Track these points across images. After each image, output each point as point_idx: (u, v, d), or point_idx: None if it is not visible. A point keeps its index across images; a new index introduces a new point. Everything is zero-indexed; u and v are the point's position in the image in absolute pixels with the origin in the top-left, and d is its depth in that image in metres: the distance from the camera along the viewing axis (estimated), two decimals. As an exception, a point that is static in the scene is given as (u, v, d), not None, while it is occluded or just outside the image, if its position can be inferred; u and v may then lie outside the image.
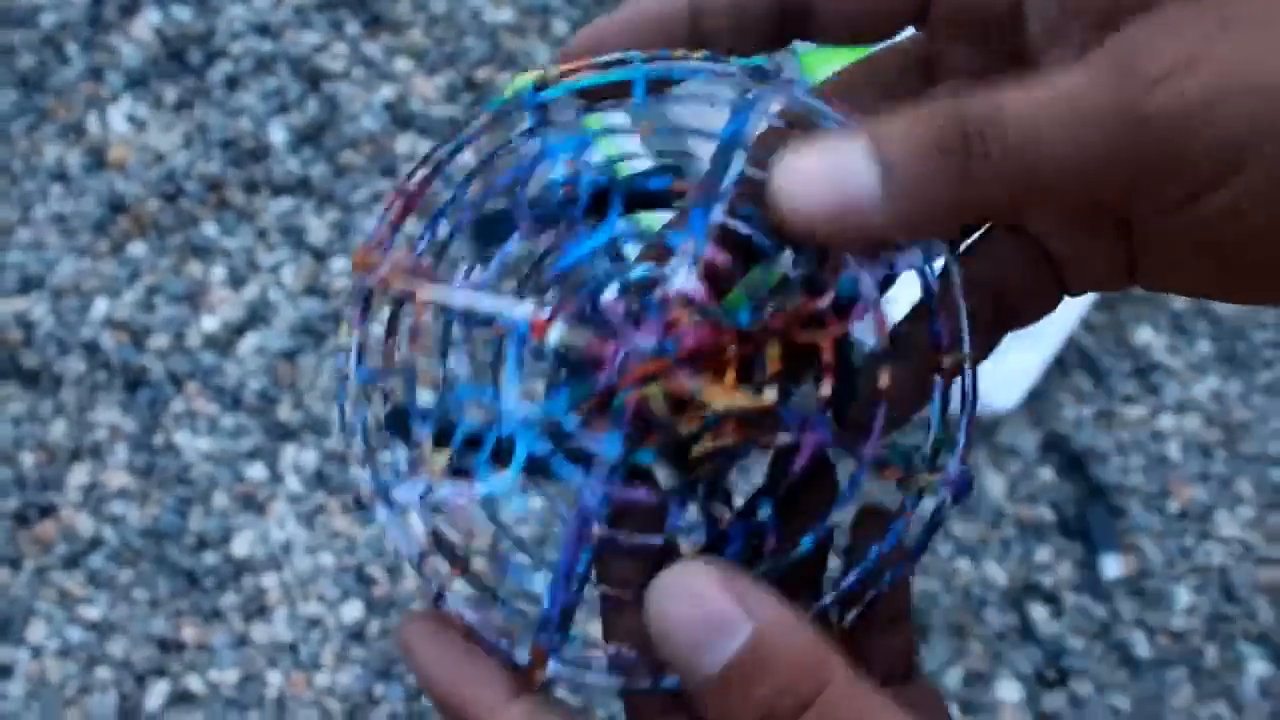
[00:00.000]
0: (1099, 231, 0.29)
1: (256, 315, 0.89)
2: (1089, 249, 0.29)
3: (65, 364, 0.87)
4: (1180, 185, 0.24)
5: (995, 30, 0.28)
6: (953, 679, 0.81)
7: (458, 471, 0.28)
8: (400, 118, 0.94)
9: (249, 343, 0.88)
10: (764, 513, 0.27)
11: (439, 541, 0.28)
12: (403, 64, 0.95)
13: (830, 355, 0.26)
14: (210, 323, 0.89)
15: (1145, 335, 0.90)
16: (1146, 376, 0.89)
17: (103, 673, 0.81)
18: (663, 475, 0.29)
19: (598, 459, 0.26)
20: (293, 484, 0.85)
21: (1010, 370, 0.84)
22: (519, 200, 0.27)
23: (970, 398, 0.27)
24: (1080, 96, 0.23)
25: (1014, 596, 0.84)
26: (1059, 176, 0.23)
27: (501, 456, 0.27)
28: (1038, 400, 0.88)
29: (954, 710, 0.81)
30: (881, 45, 0.30)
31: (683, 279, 0.26)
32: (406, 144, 0.93)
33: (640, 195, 0.27)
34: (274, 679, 0.81)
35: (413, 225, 0.29)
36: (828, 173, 0.23)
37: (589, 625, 0.29)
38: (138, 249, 0.90)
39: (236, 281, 0.90)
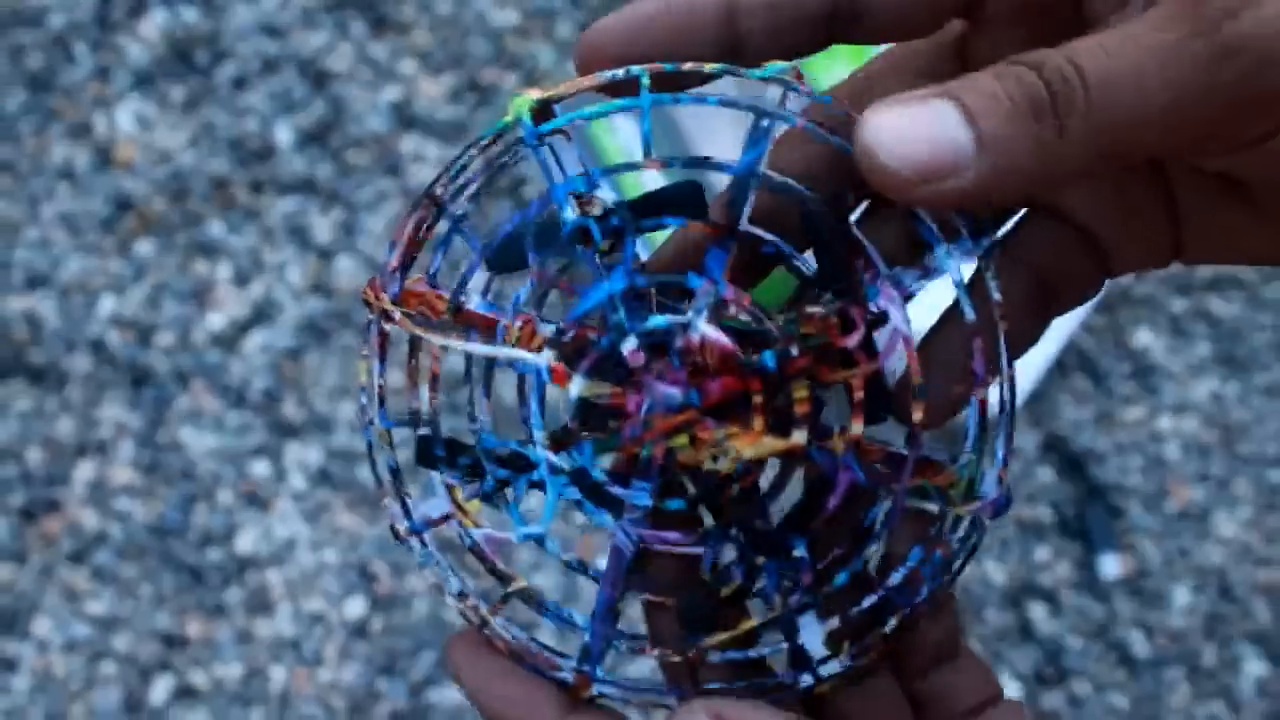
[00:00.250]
0: (1141, 210, 0.28)
1: (262, 313, 0.89)
2: (1131, 227, 0.28)
3: (71, 361, 0.88)
4: (1269, 116, 0.23)
5: (1054, 11, 0.27)
6: (952, 677, 0.82)
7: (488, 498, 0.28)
8: (405, 118, 0.94)
9: (254, 341, 0.89)
10: (798, 551, 0.27)
11: (486, 566, 0.28)
12: (408, 65, 0.96)
13: (861, 393, 0.25)
14: (216, 321, 0.89)
15: (1144, 337, 0.90)
16: (1145, 378, 0.90)
17: (107, 667, 0.82)
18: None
19: (630, 510, 0.26)
20: (296, 481, 0.86)
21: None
22: (530, 244, 0.26)
23: (1009, 411, 0.26)
24: (1156, 38, 0.22)
25: (1013, 596, 0.84)
26: (1146, 124, 0.22)
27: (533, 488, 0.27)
28: (1037, 401, 0.88)
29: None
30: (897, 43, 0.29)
31: (704, 327, 0.25)
32: (411, 144, 0.93)
33: (652, 229, 0.27)
34: (277, 674, 0.82)
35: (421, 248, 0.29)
36: (923, 131, 0.23)
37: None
38: (144, 247, 0.91)
39: (242, 280, 0.90)
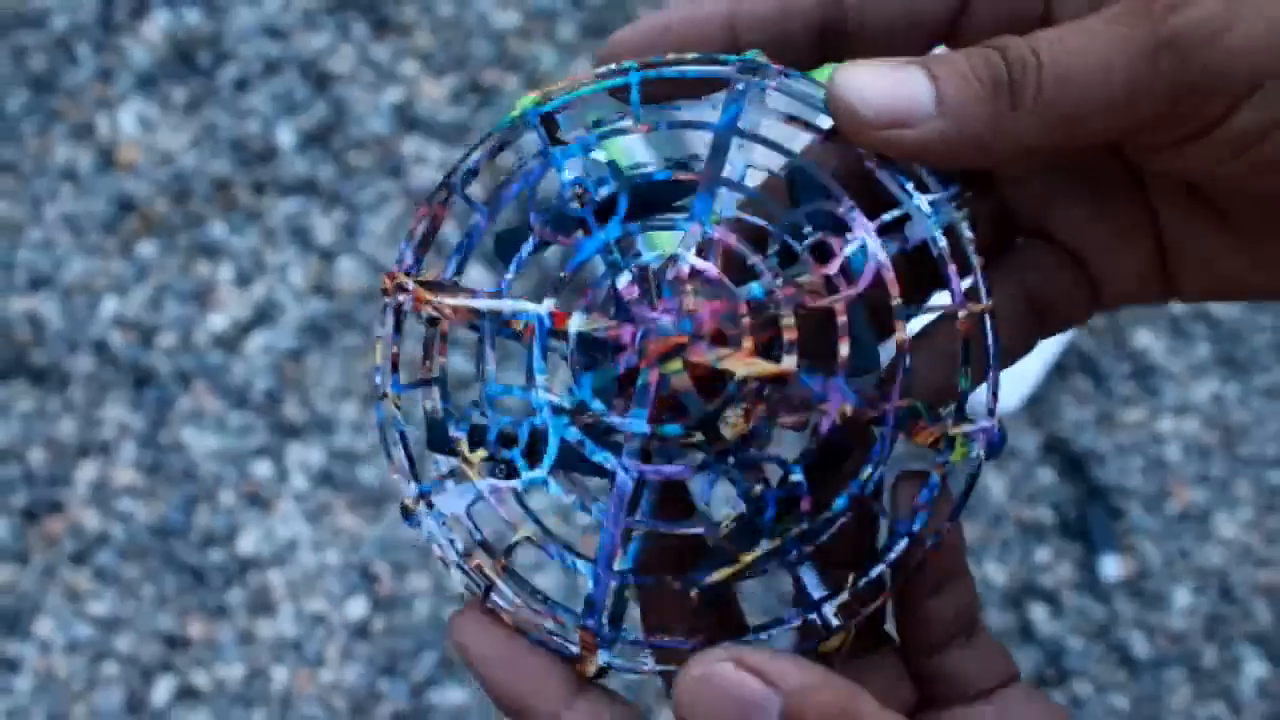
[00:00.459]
0: (1129, 239, 0.29)
1: (263, 314, 0.90)
2: (1120, 256, 0.30)
3: (74, 362, 0.88)
4: (1209, 104, 0.25)
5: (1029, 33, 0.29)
6: (952, 678, 0.82)
7: (494, 468, 0.28)
8: (407, 120, 0.94)
9: (256, 342, 0.89)
10: (795, 476, 0.27)
11: (482, 543, 0.29)
12: (409, 67, 0.96)
13: (845, 317, 0.27)
14: (218, 322, 0.89)
15: (1144, 338, 0.91)
16: (1146, 379, 0.90)
17: (109, 668, 0.82)
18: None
19: (629, 441, 0.27)
20: (298, 482, 0.86)
21: (1011, 373, 0.84)
22: (530, 204, 0.28)
23: (995, 352, 0.27)
24: (1104, 31, 0.25)
25: (1014, 597, 0.84)
26: (1090, 108, 0.25)
27: (534, 454, 0.28)
28: (1038, 402, 0.88)
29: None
30: None
31: (692, 258, 0.27)
32: (413, 146, 0.94)
33: (647, 195, 0.28)
34: (279, 675, 0.82)
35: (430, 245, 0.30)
36: (889, 85, 0.25)
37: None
38: (146, 248, 0.91)
39: (244, 281, 0.90)
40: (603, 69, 0.28)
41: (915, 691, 0.29)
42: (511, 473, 0.28)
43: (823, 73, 0.28)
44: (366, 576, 0.84)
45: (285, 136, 0.94)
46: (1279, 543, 0.86)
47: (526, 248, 0.28)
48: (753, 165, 0.28)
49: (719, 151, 0.27)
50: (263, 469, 0.86)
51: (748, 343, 0.27)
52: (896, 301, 0.27)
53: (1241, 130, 0.25)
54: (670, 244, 0.29)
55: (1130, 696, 0.83)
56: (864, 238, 0.27)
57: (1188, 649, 0.84)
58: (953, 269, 0.27)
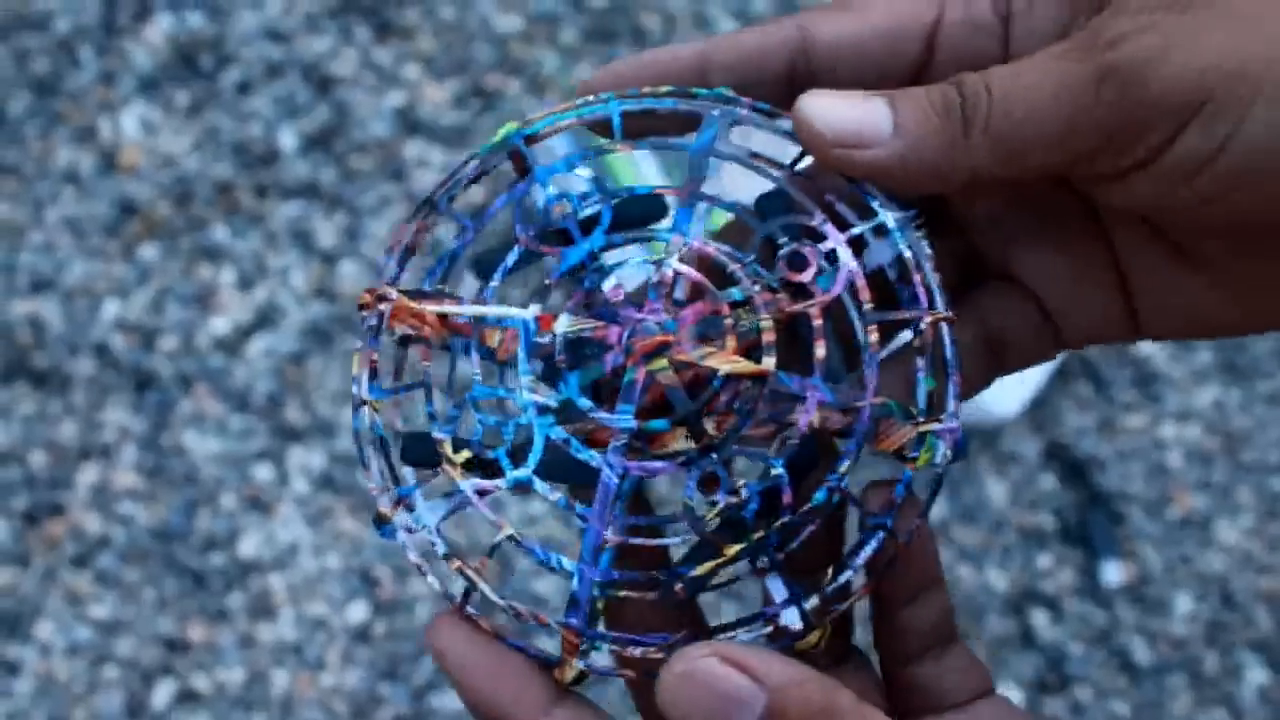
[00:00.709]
0: (1091, 280, 0.30)
1: (265, 318, 0.90)
2: (1082, 298, 0.31)
3: (75, 365, 0.88)
4: (1149, 132, 0.26)
5: None
6: (953, 684, 0.82)
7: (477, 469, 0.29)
8: (409, 123, 0.94)
9: (257, 345, 0.89)
10: (776, 470, 0.28)
11: (449, 554, 0.29)
12: (412, 70, 0.96)
13: (820, 321, 0.28)
14: (219, 325, 0.89)
15: (1146, 344, 0.91)
16: (1147, 385, 0.90)
17: (110, 671, 0.82)
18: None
19: (615, 437, 0.28)
20: (299, 485, 0.86)
21: (1012, 379, 0.84)
22: (516, 216, 0.29)
23: (954, 362, 0.29)
24: (1052, 65, 0.27)
25: (1015, 603, 0.84)
26: (1037, 135, 0.27)
27: (517, 456, 0.28)
28: (1040, 408, 0.88)
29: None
30: None
31: (677, 264, 0.28)
32: (415, 149, 0.94)
33: (629, 211, 0.29)
34: (280, 679, 0.82)
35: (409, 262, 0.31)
36: (851, 110, 0.27)
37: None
38: (148, 251, 0.91)
39: (245, 284, 0.90)
40: (580, 101, 0.29)
41: (886, 701, 0.30)
42: (495, 473, 0.28)
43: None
44: (367, 580, 0.84)
45: (287, 140, 0.94)
46: (1280, 549, 0.86)
47: (511, 257, 0.29)
48: (719, 195, 0.29)
49: (696, 170, 0.29)
50: (264, 472, 0.86)
51: (730, 342, 0.28)
52: (868, 306, 0.28)
53: (1183, 158, 0.26)
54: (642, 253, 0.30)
55: (1131, 703, 0.83)
56: (835, 245, 0.28)
57: (1189, 655, 0.84)
58: (917, 278, 0.28)
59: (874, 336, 0.28)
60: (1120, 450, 0.88)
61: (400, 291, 0.29)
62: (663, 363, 0.28)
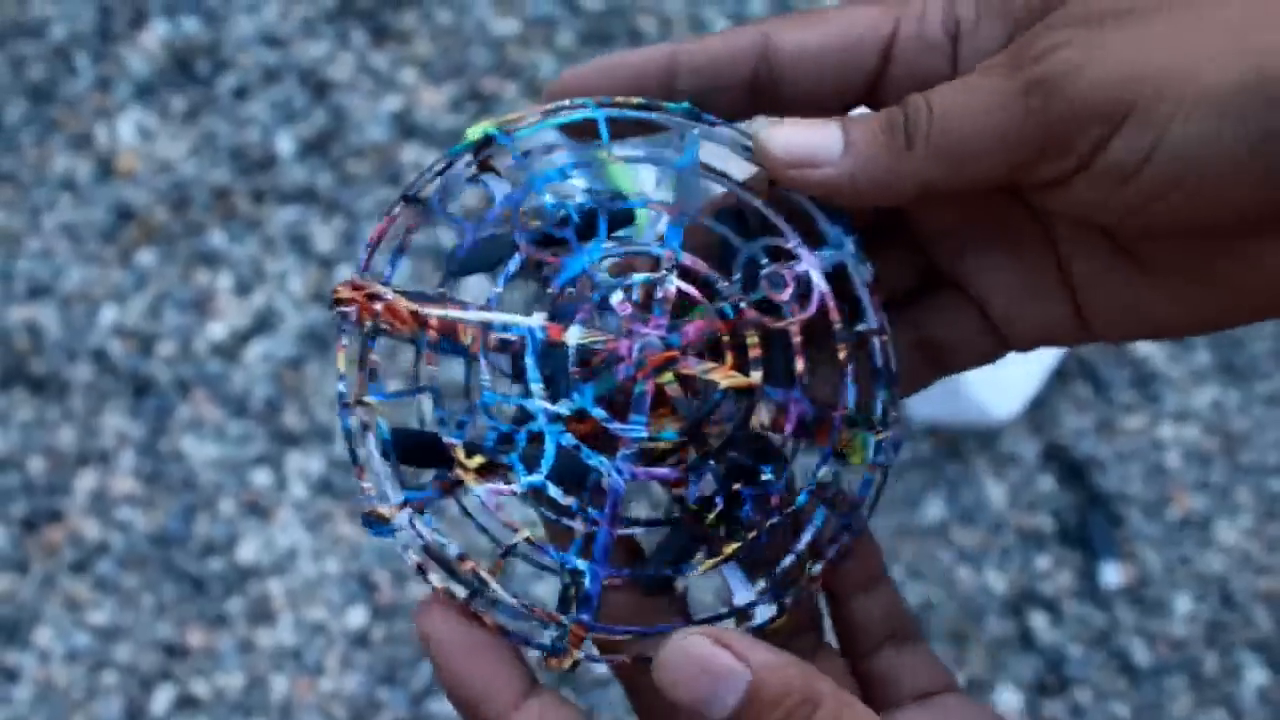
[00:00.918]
0: (1035, 283, 0.32)
1: (263, 323, 0.90)
2: (1025, 301, 0.32)
3: (73, 371, 0.88)
4: (1079, 137, 0.28)
5: None
6: (953, 686, 0.82)
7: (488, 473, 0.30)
8: (406, 128, 0.94)
9: (255, 350, 0.89)
10: (767, 476, 0.30)
11: (432, 556, 0.30)
12: (408, 74, 0.96)
13: (799, 338, 0.30)
14: (217, 330, 0.89)
15: (1145, 345, 0.91)
16: (1146, 386, 0.90)
17: (109, 677, 0.82)
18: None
19: (622, 444, 0.29)
20: (298, 490, 0.86)
21: (1011, 380, 0.84)
22: (514, 221, 0.30)
23: (890, 372, 0.32)
24: (985, 81, 0.29)
25: (1014, 604, 0.84)
26: (973, 145, 0.29)
27: (527, 462, 0.29)
28: (1038, 410, 0.88)
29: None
30: None
31: (677, 281, 0.30)
32: (412, 153, 0.94)
33: (620, 215, 0.31)
34: (279, 684, 0.82)
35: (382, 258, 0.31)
36: (804, 134, 0.30)
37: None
38: (145, 257, 0.91)
39: (243, 289, 0.90)
40: (552, 105, 0.30)
41: (861, 691, 0.32)
42: (506, 478, 0.29)
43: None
44: (366, 585, 0.84)
45: (284, 145, 0.94)
46: (1279, 550, 0.86)
47: (513, 264, 0.30)
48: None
49: (686, 185, 0.31)
50: (262, 478, 0.86)
51: (728, 358, 0.30)
52: (838, 325, 0.31)
53: (1113, 165, 0.28)
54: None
55: (1131, 704, 0.83)
56: (808, 268, 0.30)
57: (1188, 656, 0.84)
58: (868, 297, 0.31)
59: (844, 354, 0.31)
60: (1119, 451, 0.88)
61: (398, 292, 0.29)
62: (669, 376, 0.30)
